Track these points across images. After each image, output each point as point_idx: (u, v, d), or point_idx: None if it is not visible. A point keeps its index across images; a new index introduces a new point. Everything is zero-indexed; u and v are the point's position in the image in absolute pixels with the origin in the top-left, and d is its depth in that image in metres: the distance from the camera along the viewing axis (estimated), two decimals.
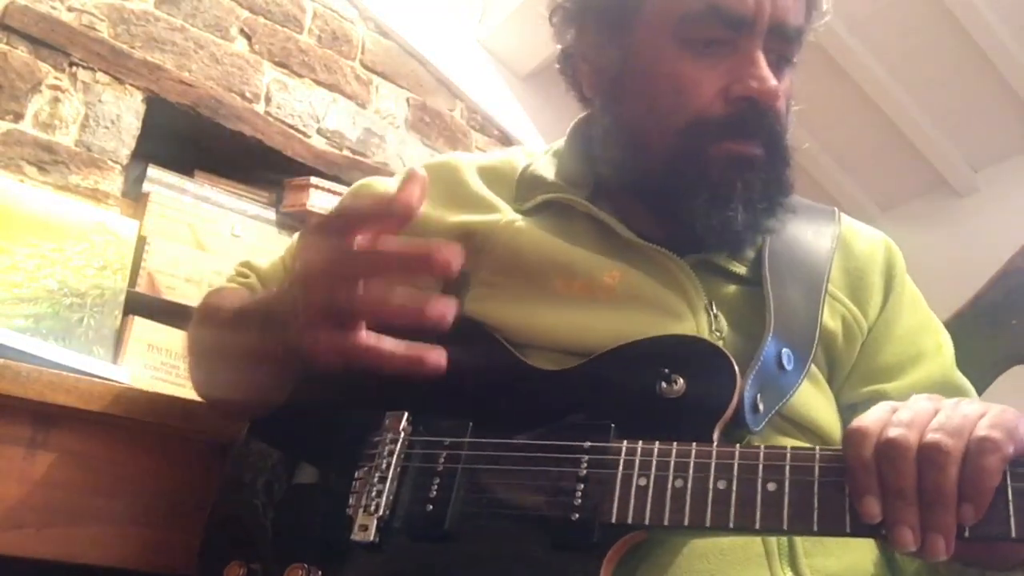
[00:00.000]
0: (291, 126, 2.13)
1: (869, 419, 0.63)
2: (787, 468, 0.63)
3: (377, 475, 0.73)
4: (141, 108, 1.92)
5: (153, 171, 1.91)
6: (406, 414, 0.76)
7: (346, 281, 0.69)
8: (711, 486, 0.64)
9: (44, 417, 0.89)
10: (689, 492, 0.64)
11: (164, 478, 0.95)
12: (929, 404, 0.64)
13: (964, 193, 2.57)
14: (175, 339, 1.68)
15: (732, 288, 0.88)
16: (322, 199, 2.03)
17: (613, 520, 0.65)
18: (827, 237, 0.94)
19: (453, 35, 2.49)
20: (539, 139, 2.44)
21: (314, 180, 2.06)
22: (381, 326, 0.70)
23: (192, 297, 1.74)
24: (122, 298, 1.71)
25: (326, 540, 0.74)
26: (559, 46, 0.97)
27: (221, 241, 1.93)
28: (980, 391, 1.04)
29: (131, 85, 1.91)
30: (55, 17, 1.83)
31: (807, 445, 0.79)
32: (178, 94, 1.96)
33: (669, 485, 0.65)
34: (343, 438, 0.77)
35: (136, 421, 0.93)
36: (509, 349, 0.82)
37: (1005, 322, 1.23)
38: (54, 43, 1.81)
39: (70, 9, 1.86)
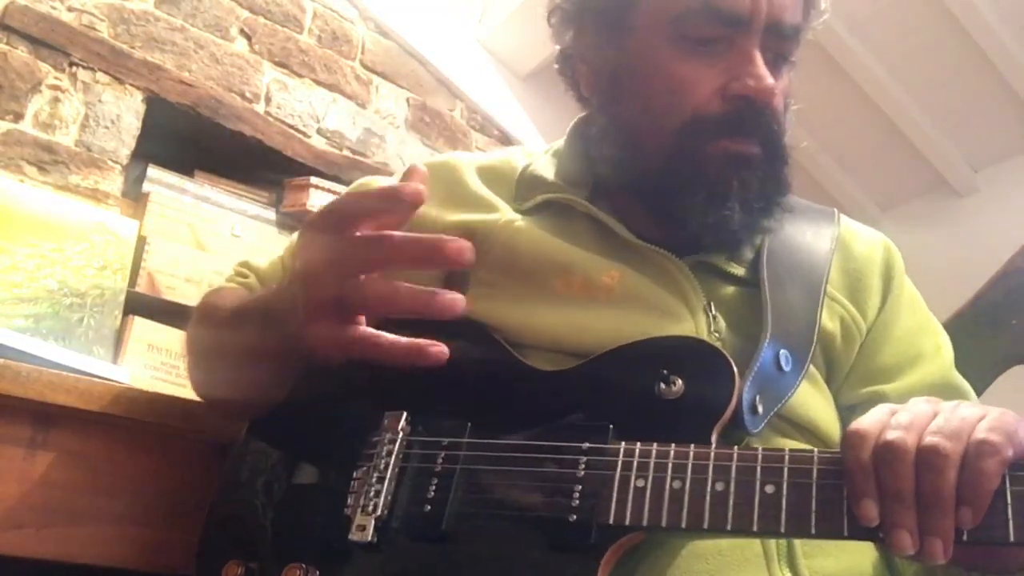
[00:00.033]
0: (291, 126, 2.14)
1: (867, 422, 0.63)
2: (785, 470, 0.63)
3: (375, 475, 0.73)
4: (141, 108, 1.92)
5: (153, 171, 1.91)
6: (405, 414, 0.76)
7: (348, 273, 0.69)
8: (709, 488, 0.64)
9: (44, 417, 0.89)
10: (687, 494, 0.64)
11: (164, 478, 0.95)
12: (928, 407, 0.63)
13: (964, 193, 2.57)
14: (175, 339, 1.69)
15: (731, 289, 0.88)
16: (322, 199, 2.03)
17: (611, 521, 0.65)
18: (826, 238, 0.94)
19: (453, 35, 2.49)
20: (539, 139, 2.45)
21: (314, 180, 2.06)
22: (381, 320, 0.70)
23: (192, 297, 1.74)
24: (122, 298, 1.71)
25: (324, 540, 0.74)
26: (558, 47, 0.97)
27: (221, 241, 1.93)
28: (980, 391, 1.04)
29: (131, 85, 1.91)
30: (55, 17, 1.83)
31: (806, 446, 0.79)
32: (178, 94, 1.96)
33: (667, 486, 0.65)
34: (342, 438, 0.77)
35: (136, 421, 0.93)
36: (508, 349, 0.82)
37: (1005, 322, 1.23)
38: (54, 43, 1.81)
39: (70, 9, 1.86)
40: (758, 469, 0.64)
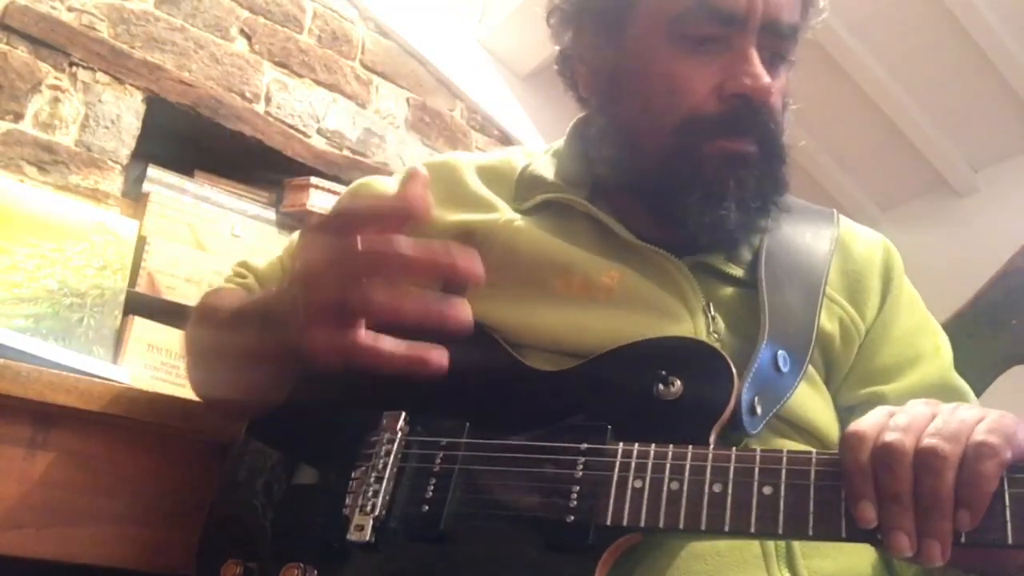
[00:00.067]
0: (291, 126, 2.14)
1: (866, 423, 0.63)
2: (783, 472, 0.63)
3: (374, 475, 0.73)
4: (141, 108, 1.92)
5: (153, 171, 1.91)
6: (403, 414, 0.76)
7: (349, 279, 0.68)
8: (707, 489, 0.64)
9: (44, 417, 0.89)
10: (685, 495, 0.64)
11: (164, 478, 0.95)
12: (926, 409, 0.63)
13: (964, 193, 2.57)
14: (175, 339, 1.69)
15: (729, 290, 0.88)
16: (322, 199, 2.03)
17: (608, 522, 0.65)
18: (825, 239, 0.94)
19: (453, 35, 2.49)
20: (539, 139, 2.44)
21: (314, 180, 2.06)
22: (381, 325, 0.69)
23: (192, 297, 1.74)
24: (122, 298, 1.71)
25: (323, 540, 0.74)
26: (557, 47, 0.97)
27: (221, 241, 1.93)
28: (980, 391, 1.05)
29: (131, 85, 1.91)
30: (55, 17, 1.83)
31: (804, 447, 0.79)
32: (178, 94, 1.96)
33: (665, 487, 0.65)
34: (341, 438, 0.77)
35: (136, 421, 0.93)
36: (507, 349, 0.82)
37: (1005, 322, 1.23)
38: (54, 43, 1.81)
39: (70, 9, 1.86)
40: (756, 470, 0.64)
